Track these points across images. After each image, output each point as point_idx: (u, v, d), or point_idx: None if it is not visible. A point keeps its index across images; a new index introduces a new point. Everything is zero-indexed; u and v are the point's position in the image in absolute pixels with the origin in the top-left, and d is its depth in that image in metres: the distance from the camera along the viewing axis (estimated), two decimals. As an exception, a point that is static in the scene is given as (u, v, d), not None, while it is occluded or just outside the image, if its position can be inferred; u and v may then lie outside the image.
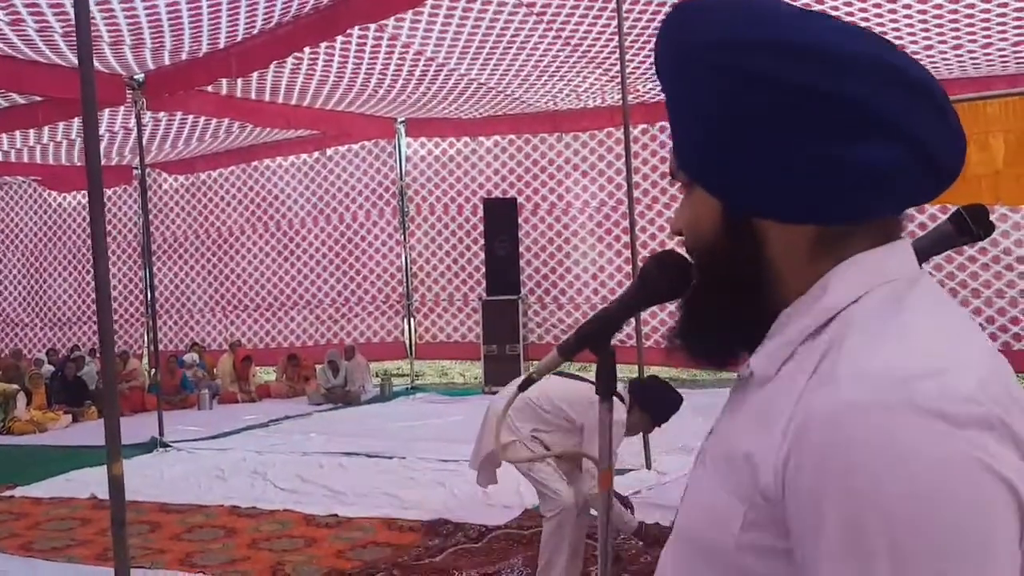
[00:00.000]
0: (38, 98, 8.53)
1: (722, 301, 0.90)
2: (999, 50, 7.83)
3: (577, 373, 4.27)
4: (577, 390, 4.08)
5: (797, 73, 0.80)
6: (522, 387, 1.25)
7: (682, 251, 1.07)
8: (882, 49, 0.81)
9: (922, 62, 0.87)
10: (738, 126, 0.83)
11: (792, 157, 0.81)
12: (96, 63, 7.52)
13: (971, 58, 8.06)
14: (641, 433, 4.37)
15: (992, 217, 1.91)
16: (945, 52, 7.80)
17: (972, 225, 1.79)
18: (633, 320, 7.58)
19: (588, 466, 3.99)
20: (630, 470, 6.28)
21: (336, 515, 5.89)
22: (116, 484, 3.02)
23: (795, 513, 0.76)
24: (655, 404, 4.13)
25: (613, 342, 1.11)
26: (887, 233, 0.86)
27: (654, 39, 0.93)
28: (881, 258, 0.85)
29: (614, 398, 1.22)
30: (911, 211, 0.89)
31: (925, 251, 1.80)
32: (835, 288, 0.84)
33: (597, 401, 1.19)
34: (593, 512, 4.10)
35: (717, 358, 0.95)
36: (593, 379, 1.20)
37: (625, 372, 10.09)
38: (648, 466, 6.34)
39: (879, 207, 0.84)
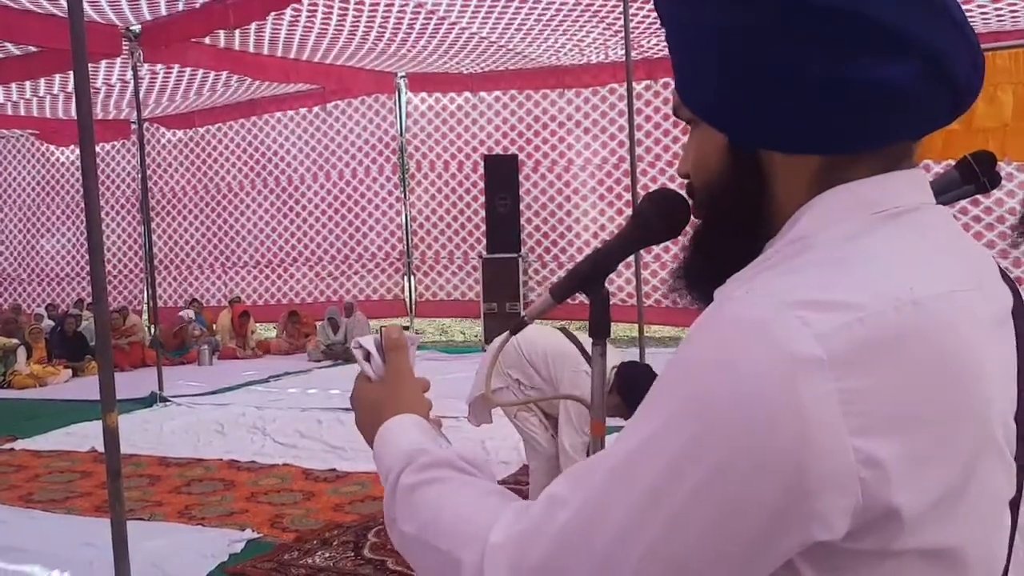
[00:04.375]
0: (34, 49, 8.41)
1: (725, 240, 0.84)
2: (1009, 3, 7.70)
3: (575, 334, 4.22)
4: (564, 350, 4.03)
5: None
6: (514, 330, 1.22)
7: (683, 191, 1.03)
8: None
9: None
10: (743, 51, 0.77)
11: (802, 81, 0.75)
12: (92, 13, 7.46)
13: (981, 13, 7.93)
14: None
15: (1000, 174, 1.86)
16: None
17: (977, 170, 1.74)
18: (634, 279, 7.53)
19: (570, 414, 3.95)
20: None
21: (334, 469, 5.91)
22: (111, 434, 3.00)
23: None
24: (634, 392, 3.71)
25: (614, 301, 1.08)
26: (895, 161, 0.80)
27: None
28: (874, 187, 0.78)
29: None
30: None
31: None
32: (808, 219, 0.78)
33: (580, 367, 1.16)
34: None
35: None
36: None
37: (626, 331, 10.12)
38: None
39: (892, 131, 0.78)
